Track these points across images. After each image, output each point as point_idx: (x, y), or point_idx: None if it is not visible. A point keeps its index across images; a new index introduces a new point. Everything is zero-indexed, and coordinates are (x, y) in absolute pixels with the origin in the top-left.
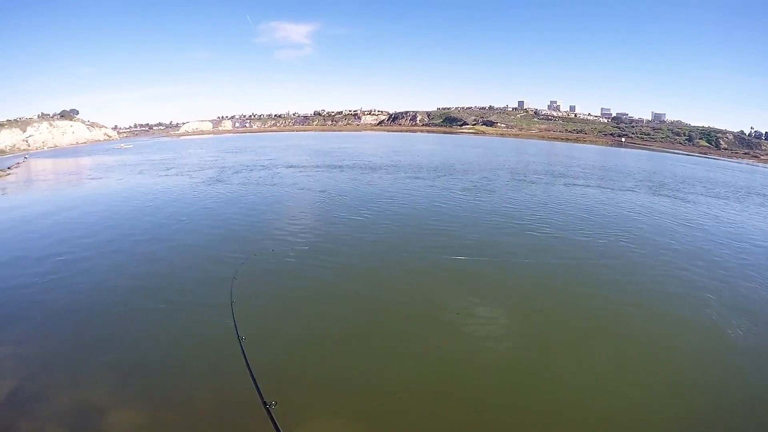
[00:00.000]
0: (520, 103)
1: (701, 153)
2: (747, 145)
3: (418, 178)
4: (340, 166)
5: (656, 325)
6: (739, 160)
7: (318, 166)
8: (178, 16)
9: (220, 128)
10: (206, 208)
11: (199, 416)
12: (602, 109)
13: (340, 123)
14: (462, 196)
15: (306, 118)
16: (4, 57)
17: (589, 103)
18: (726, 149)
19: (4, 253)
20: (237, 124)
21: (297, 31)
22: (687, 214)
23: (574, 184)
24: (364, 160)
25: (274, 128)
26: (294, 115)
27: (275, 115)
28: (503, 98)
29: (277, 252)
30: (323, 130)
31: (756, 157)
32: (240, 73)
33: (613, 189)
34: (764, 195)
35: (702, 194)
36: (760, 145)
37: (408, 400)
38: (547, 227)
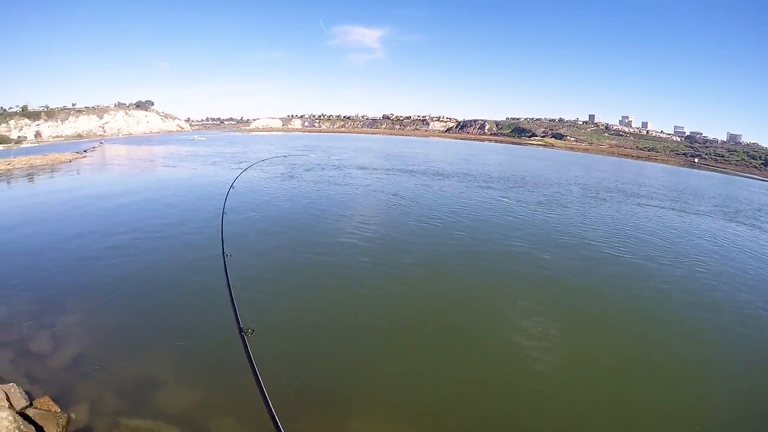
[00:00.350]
0: (591, 116)
1: None
2: None
3: (489, 188)
4: (410, 171)
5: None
6: None
7: (389, 170)
8: (254, 16)
9: (289, 126)
10: (274, 204)
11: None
12: (675, 127)
13: (408, 128)
14: (535, 211)
15: (374, 121)
16: (84, 48)
17: (662, 119)
18: None
19: (81, 225)
20: (306, 123)
21: (369, 36)
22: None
23: (648, 205)
24: (435, 167)
25: (342, 129)
26: (363, 117)
27: (344, 117)
28: (573, 110)
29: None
30: (391, 134)
31: None
32: (312, 74)
33: (688, 212)
34: None
35: None
36: None
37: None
38: (621, 249)
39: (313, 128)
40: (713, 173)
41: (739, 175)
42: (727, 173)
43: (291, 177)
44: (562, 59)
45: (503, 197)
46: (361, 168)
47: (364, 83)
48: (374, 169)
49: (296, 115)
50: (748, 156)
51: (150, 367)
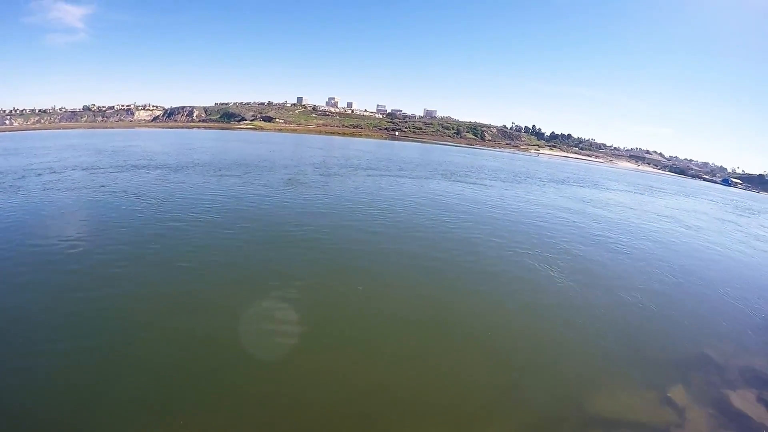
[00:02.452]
0: (299, 99)
1: (468, 144)
2: (509, 137)
3: (225, 176)
4: (144, 167)
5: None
6: (502, 149)
7: (116, 167)
8: None
9: None
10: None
11: None
12: (378, 105)
13: (111, 119)
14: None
15: (74, 114)
16: None
17: (366, 99)
18: (490, 140)
19: None
20: None
21: (72, 13)
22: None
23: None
24: (161, 160)
25: (38, 125)
26: (61, 110)
27: (39, 110)
28: (283, 94)
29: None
30: (93, 128)
31: (516, 147)
32: (2, 57)
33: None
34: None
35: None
36: (520, 137)
37: None
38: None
39: (4, 126)
40: (413, 143)
41: (435, 143)
42: (423, 142)
43: None
44: (269, 43)
45: (246, 182)
46: (85, 169)
47: (63, 70)
48: (99, 168)
49: None
50: (443, 128)
51: None
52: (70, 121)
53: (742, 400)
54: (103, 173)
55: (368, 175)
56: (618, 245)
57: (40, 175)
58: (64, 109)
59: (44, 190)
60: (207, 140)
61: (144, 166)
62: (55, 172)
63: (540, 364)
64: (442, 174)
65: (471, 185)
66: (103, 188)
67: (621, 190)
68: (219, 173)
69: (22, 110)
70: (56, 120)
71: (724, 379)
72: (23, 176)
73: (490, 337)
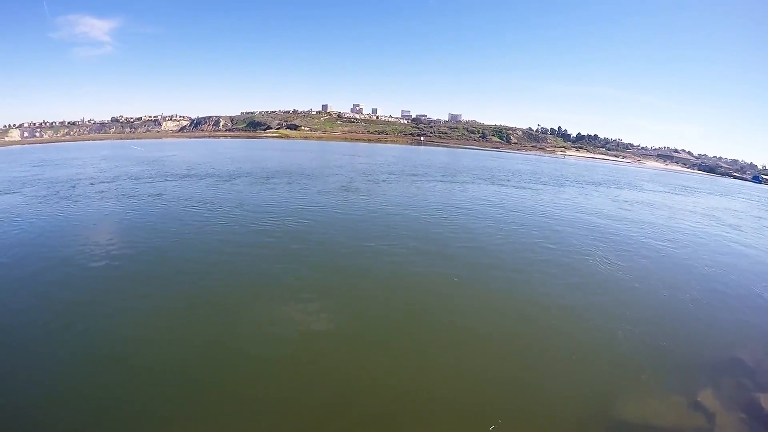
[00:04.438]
0: (324, 106)
1: (493, 147)
2: (534, 139)
3: (285, 184)
4: (195, 176)
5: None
6: (528, 152)
7: (167, 176)
8: None
9: (6, 139)
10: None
11: None
12: (402, 111)
13: (139, 130)
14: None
15: (103, 125)
16: None
17: (391, 105)
18: (516, 143)
19: None
20: (26, 134)
21: (98, 27)
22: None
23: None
24: (205, 169)
25: (68, 138)
26: (89, 122)
27: (68, 123)
28: (307, 102)
29: None
30: (121, 138)
31: (542, 149)
32: (31, 72)
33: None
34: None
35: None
36: (546, 139)
37: None
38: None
39: (35, 139)
40: (438, 148)
41: (461, 147)
42: (449, 146)
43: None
44: (294, 50)
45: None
46: (135, 179)
47: (92, 82)
48: (151, 177)
49: (13, 125)
50: (468, 131)
51: None
52: (99, 133)
53: None
54: (154, 182)
55: (414, 182)
56: (655, 246)
57: (92, 184)
58: (92, 121)
59: (101, 198)
60: (238, 149)
61: (194, 175)
62: (104, 182)
63: (565, 367)
64: (485, 179)
65: (524, 189)
66: (162, 197)
67: (657, 191)
68: (270, 181)
69: (52, 123)
70: (85, 132)
71: (756, 382)
72: (74, 186)
73: (516, 337)
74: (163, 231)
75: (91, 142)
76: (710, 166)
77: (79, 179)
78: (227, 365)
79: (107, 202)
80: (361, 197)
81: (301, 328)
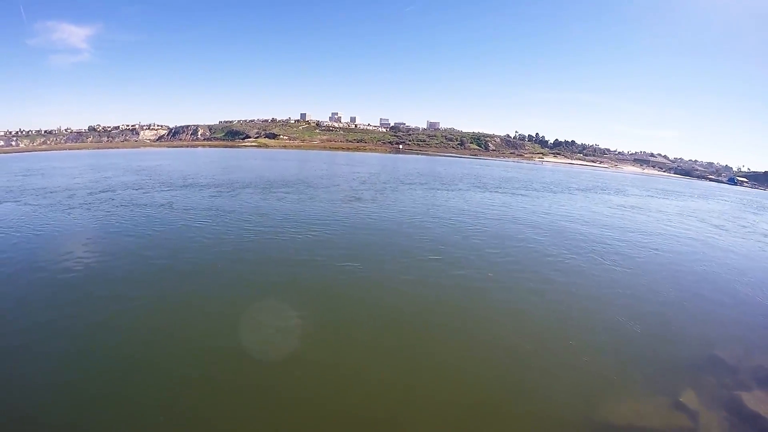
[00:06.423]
0: (303, 115)
1: (472, 154)
2: (512, 146)
3: (281, 194)
4: (190, 186)
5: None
6: (506, 158)
7: (162, 185)
8: None
9: None
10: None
11: None
12: (381, 119)
13: (117, 139)
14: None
15: (80, 134)
16: None
17: (370, 113)
18: (494, 150)
19: None
20: (1, 143)
21: (76, 34)
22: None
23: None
24: (201, 179)
25: (44, 147)
26: (66, 130)
27: (45, 131)
28: (286, 110)
29: None
30: (98, 148)
31: (520, 155)
32: (6, 79)
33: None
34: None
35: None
36: (524, 146)
37: None
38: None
39: (10, 147)
40: (417, 156)
41: (440, 155)
42: (428, 154)
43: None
44: (273, 59)
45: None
46: (133, 188)
47: (68, 90)
48: (145, 187)
49: None
50: (446, 139)
51: None
52: (76, 142)
53: (756, 401)
54: (153, 192)
55: (410, 189)
56: (635, 248)
57: (91, 193)
58: (69, 130)
59: (100, 208)
60: (223, 159)
61: (190, 185)
62: (103, 191)
63: (549, 369)
64: (478, 186)
65: (520, 196)
66: (168, 205)
67: (642, 195)
68: (271, 191)
69: (29, 131)
70: (62, 141)
71: (737, 380)
72: (71, 195)
73: (497, 337)
74: (157, 236)
75: (68, 151)
76: (686, 170)
77: (75, 189)
78: (227, 365)
79: (111, 209)
80: (361, 206)
81: (287, 331)
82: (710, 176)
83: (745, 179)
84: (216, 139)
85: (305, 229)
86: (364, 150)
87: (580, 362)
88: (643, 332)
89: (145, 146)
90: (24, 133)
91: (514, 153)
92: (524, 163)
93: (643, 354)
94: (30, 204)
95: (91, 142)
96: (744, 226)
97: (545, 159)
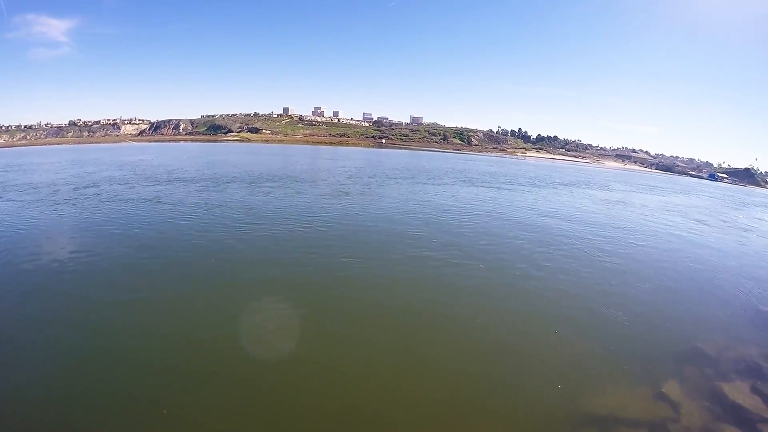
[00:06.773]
0: (285, 109)
1: (455, 149)
2: (495, 141)
3: (270, 188)
4: (177, 180)
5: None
6: (489, 153)
7: (148, 180)
8: None
9: None
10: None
11: None
12: (364, 113)
13: (98, 134)
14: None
15: (60, 129)
16: None
17: (353, 107)
18: (477, 145)
19: None
20: None
21: (56, 27)
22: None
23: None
24: (187, 173)
25: (24, 142)
26: (47, 125)
27: (25, 126)
28: (268, 104)
29: None
30: (79, 143)
31: (503, 150)
32: None
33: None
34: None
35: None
36: (507, 141)
37: None
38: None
39: None
40: (400, 150)
41: (423, 150)
42: (411, 149)
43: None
44: (255, 54)
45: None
46: (119, 183)
47: (48, 84)
48: (131, 182)
49: None
50: (429, 134)
51: None
52: (57, 137)
53: (737, 392)
54: (139, 187)
55: (396, 184)
56: (620, 242)
57: (76, 189)
58: (50, 125)
59: (86, 204)
60: (206, 153)
61: (175, 180)
62: (89, 186)
63: (532, 362)
64: (464, 181)
65: (506, 191)
66: (156, 201)
67: (625, 190)
68: (259, 186)
69: (8, 126)
70: (42, 136)
71: (718, 371)
72: (56, 191)
73: (482, 332)
74: (145, 231)
75: (48, 146)
76: (667, 165)
77: (59, 184)
78: (225, 365)
79: (98, 204)
80: (349, 200)
81: (279, 326)
82: (691, 172)
83: (725, 175)
84: (198, 133)
85: (295, 224)
86: (347, 144)
87: (565, 355)
88: (626, 325)
89: (126, 141)
90: (3, 128)
91: (496, 148)
92: (507, 158)
93: (627, 346)
94: (13, 200)
95: (71, 137)
96: (725, 221)
97: (528, 154)
